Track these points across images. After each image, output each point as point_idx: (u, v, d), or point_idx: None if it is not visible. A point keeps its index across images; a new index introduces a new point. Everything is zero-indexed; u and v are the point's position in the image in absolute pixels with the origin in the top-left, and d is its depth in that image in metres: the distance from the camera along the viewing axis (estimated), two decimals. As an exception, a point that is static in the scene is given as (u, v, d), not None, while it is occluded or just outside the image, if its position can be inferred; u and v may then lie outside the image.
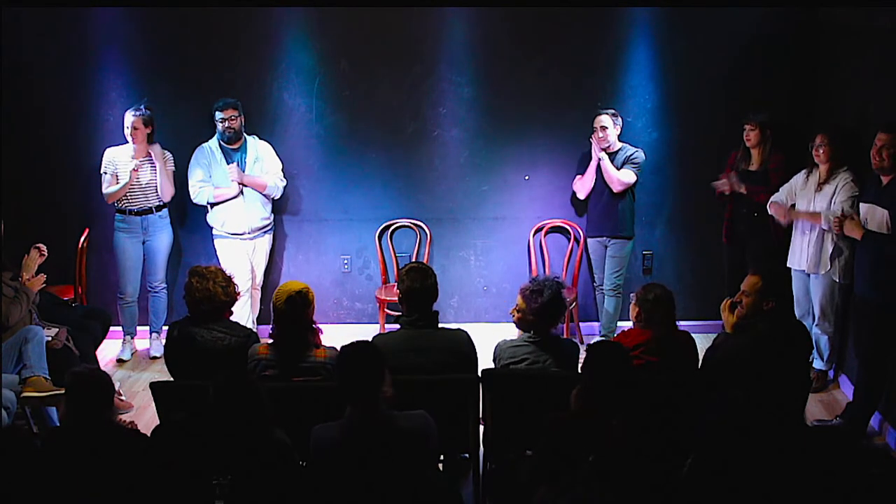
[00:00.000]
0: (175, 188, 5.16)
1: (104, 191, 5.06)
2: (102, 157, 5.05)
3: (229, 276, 3.68)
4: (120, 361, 5.31)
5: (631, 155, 5.05)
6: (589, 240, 5.35)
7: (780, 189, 4.74)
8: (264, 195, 5.16)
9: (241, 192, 5.05)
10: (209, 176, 5.05)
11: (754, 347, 3.41)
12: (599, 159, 5.05)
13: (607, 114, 5.03)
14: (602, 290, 5.35)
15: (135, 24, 5.19)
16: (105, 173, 5.04)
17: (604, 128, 5.01)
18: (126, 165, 4.99)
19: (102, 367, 5.18)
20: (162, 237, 5.25)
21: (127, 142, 5.02)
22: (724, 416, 2.98)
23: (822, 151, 4.45)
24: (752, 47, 5.17)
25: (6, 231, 4.60)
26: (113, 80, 5.27)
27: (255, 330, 5.28)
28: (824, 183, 4.46)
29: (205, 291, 3.54)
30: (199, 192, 5.05)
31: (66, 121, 5.30)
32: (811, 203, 4.52)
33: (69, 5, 5.08)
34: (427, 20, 5.21)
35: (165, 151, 5.14)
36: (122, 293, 5.28)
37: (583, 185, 5.23)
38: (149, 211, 5.13)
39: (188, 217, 5.44)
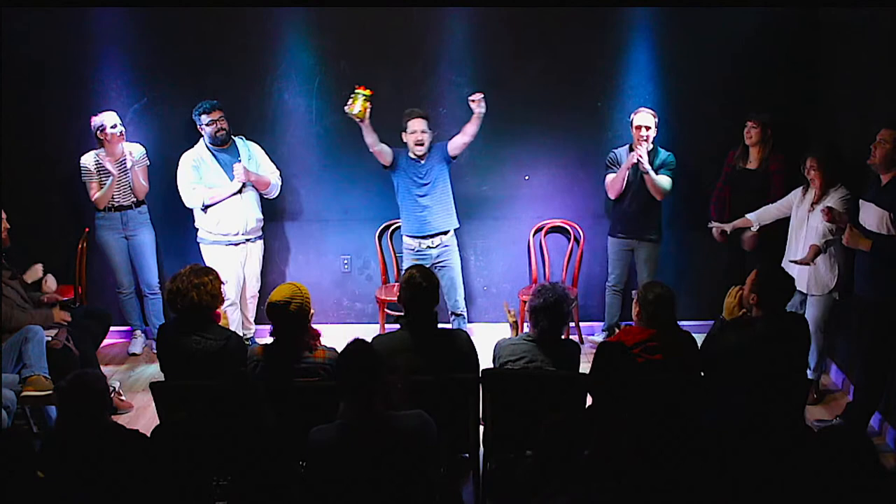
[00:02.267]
0: (149, 185, 5.21)
1: (93, 197, 5.07)
2: (80, 165, 5.06)
3: (212, 279, 3.58)
4: (132, 355, 5.44)
5: (666, 159, 4.99)
6: (610, 238, 5.27)
7: (777, 203, 4.75)
8: (263, 193, 5.13)
9: (240, 191, 4.99)
10: (200, 179, 4.98)
11: (752, 347, 3.41)
12: (647, 172, 4.87)
13: (649, 112, 4.92)
14: (615, 289, 5.34)
15: (135, 24, 5.19)
16: (88, 181, 5.06)
17: (647, 127, 4.89)
18: (106, 167, 5.01)
19: (109, 364, 5.27)
20: (143, 233, 5.25)
21: (94, 147, 5.05)
22: (723, 416, 2.98)
23: (812, 175, 4.45)
24: (752, 47, 5.17)
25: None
26: (113, 80, 5.27)
27: (253, 330, 5.32)
28: (817, 203, 4.44)
29: (183, 290, 3.49)
30: (191, 194, 4.97)
31: (66, 121, 5.29)
32: (805, 222, 4.50)
33: (69, 5, 5.08)
34: (427, 20, 5.20)
35: (136, 145, 5.16)
36: (119, 286, 5.35)
37: (612, 186, 5.10)
38: (128, 207, 5.15)
39: (189, 222, 5.32)
